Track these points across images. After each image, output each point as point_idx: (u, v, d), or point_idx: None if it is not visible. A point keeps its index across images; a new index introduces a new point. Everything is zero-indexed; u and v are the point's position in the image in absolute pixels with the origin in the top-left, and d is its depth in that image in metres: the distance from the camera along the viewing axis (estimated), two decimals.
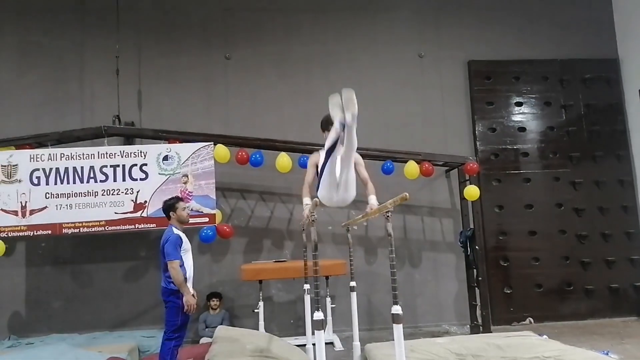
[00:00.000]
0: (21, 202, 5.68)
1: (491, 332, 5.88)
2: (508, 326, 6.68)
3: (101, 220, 5.74)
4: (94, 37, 6.95)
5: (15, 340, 5.93)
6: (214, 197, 5.96)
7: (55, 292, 6.45)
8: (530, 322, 6.80)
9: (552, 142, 7.35)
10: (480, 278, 6.35)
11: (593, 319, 6.87)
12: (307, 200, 3.76)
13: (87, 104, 6.85)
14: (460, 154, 6.77)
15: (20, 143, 5.96)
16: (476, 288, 6.41)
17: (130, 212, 5.80)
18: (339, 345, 5.80)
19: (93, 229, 5.74)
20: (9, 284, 6.41)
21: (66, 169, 5.77)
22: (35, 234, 5.68)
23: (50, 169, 5.75)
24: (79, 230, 5.72)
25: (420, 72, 7.36)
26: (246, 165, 6.19)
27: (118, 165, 5.86)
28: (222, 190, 6.58)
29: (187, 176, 5.94)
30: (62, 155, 5.81)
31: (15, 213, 5.65)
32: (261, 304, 5.76)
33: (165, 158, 5.94)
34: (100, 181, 5.81)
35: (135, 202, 5.82)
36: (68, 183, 5.76)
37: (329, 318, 6.09)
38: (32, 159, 5.76)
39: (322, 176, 3.47)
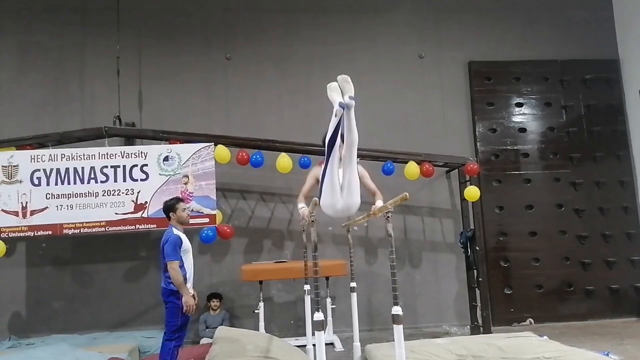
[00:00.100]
0: (22, 203, 5.68)
1: (491, 333, 5.89)
2: (508, 327, 6.68)
3: (102, 221, 5.74)
4: (95, 37, 6.96)
5: (16, 340, 5.93)
6: (215, 198, 5.96)
7: (55, 293, 6.46)
8: (531, 323, 6.80)
9: (552, 142, 7.35)
10: (480, 279, 6.35)
11: (593, 319, 6.87)
12: (301, 205, 3.76)
13: (87, 104, 6.85)
14: (460, 155, 6.77)
15: (20, 144, 5.96)
16: (476, 289, 6.41)
17: (131, 213, 5.80)
18: (339, 346, 5.80)
19: (93, 230, 5.74)
20: (10, 285, 6.41)
21: (67, 170, 5.78)
22: (35, 234, 5.68)
23: (51, 170, 5.76)
24: (80, 231, 5.72)
25: (421, 73, 7.36)
26: (246, 165, 6.18)
27: (118, 166, 5.86)
28: (223, 190, 6.58)
29: (188, 177, 5.94)
30: (63, 155, 5.81)
31: (15, 213, 5.66)
32: (261, 304, 5.76)
33: (166, 159, 5.95)
34: (101, 182, 5.81)
35: (135, 203, 5.82)
36: (69, 184, 5.76)
37: (329, 319, 6.09)
38: (32, 160, 5.76)
39: (324, 180, 3.37)
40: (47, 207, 5.69)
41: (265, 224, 6.84)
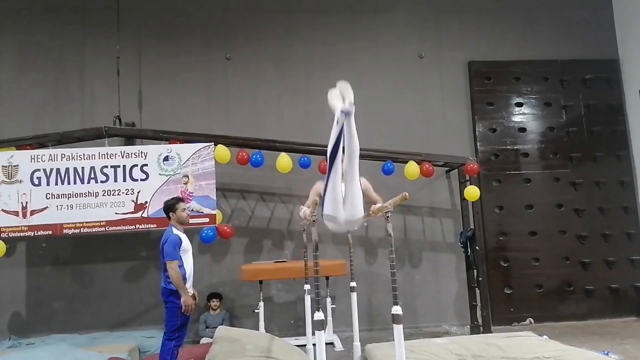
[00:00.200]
0: (22, 203, 5.68)
1: (491, 333, 5.89)
2: (508, 326, 6.68)
3: (102, 221, 5.74)
4: (95, 37, 6.96)
5: (16, 340, 5.93)
6: (215, 198, 5.96)
7: (55, 293, 6.46)
8: (531, 323, 6.80)
9: (552, 142, 7.36)
10: (480, 278, 6.35)
11: (593, 319, 6.87)
12: (305, 208, 3.77)
13: (87, 104, 6.85)
14: (460, 155, 6.77)
15: (20, 144, 5.96)
16: (476, 288, 6.41)
17: (131, 213, 5.80)
18: (339, 346, 5.80)
19: (93, 230, 5.74)
20: (10, 285, 6.41)
21: (67, 170, 5.78)
22: (35, 234, 5.68)
23: (51, 170, 5.76)
24: (80, 231, 5.72)
25: (421, 73, 7.36)
26: (246, 165, 6.19)
27: (118, 166, 5.87)
28: (223, 190, 6.58)
29: (188, 177, 5.94)
30: (63, 155, 5.82)
31: (15, 213, 5.66)
32: (261, 304, 5.76)
33: (166, 159, 5.95)
34: (101, 182, 5.81)
35: (135, 203, 5.82)
36: (69, 183, 5.77)
37: (329, 318, 6.09)
38: (32, 160, 5.76)
39: (326, 193, 3.32)
40: (47, 207, 5.70)
41: (265, 223, 6.85)
